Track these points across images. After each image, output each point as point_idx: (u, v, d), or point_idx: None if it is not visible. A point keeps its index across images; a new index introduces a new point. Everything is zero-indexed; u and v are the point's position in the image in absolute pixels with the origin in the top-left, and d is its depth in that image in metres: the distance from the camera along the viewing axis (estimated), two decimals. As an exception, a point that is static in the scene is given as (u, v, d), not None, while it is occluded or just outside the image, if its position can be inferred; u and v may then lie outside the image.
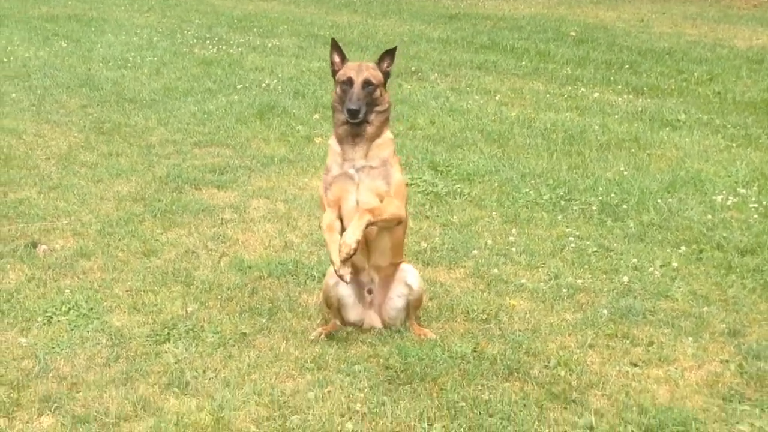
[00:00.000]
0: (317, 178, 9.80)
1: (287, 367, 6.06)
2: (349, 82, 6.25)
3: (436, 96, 13.91)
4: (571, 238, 8.15)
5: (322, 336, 6.42)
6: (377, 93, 6.30)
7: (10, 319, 6.73)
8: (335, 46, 6.51)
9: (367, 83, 6.25)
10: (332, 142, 6.44)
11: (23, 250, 7.94)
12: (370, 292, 6.55)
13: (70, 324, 6.66)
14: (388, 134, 6.42)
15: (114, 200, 9.32)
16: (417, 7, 25.94)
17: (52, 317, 6.74)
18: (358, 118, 6.16)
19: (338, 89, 6.34)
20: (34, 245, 8.05)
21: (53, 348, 6.30)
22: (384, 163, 6.31)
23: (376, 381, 5.86)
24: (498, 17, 23.57)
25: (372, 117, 6.26)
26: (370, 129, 6.27)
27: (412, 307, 6.54)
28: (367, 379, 5.88)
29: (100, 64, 16.52)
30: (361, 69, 6.30)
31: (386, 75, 6.44)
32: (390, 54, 6.45)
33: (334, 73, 6.47)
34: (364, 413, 5.49)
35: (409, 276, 6.52)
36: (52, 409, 5.56)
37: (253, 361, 6.12)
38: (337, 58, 6.48)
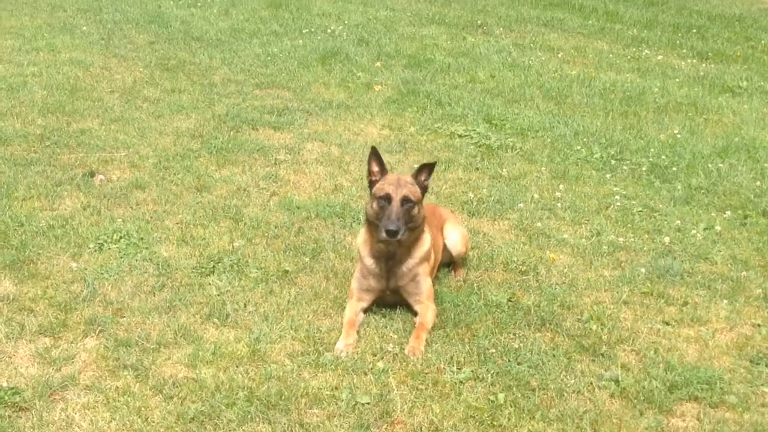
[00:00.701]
0: (373, 125, 9.96)
1: (326, 305, 6.23)
2: (387, 198, 5.98)
3: (499, 51, 13.91)
4: (617, 197, 8.20)
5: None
6: (415, 211, 6.03)
7: (63, 244, 6.96)
8: (375, 155, 6.18)
9: (406, 200, 5.98)
10: (364, 253, 6.22)
11: (81, 179, 8.17)
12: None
13: (120, 252, 6.87)
14: (424, 242, 6.21)
15: (172, 135, 9.52)
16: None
17: (103, 245, 6.96)
18: (397, 238, 5.90)
19: (375, 204, 6.04)
20: (92, 174, 8.27)
21: (102, 274, 6.52)
22: (415, 278, 6.13)
23: (410, 324, 6.01)
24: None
25: (406, 236, 5.98)
26: (403, 251, 6.09)
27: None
28: (402, 322, 6.04)
29: (171, 1, 16.67)
30: (400, 185, 6.01)
31: (424, 190, 6.15)
32: (428, 168, 6.20)
33: (371, 183, 6.17)
34: (396, 354, 5.64)
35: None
36: (97, 332, 5.79)
37: (293, 297, 6.29)
38: (375, 168, 6.18)
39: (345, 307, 6.12)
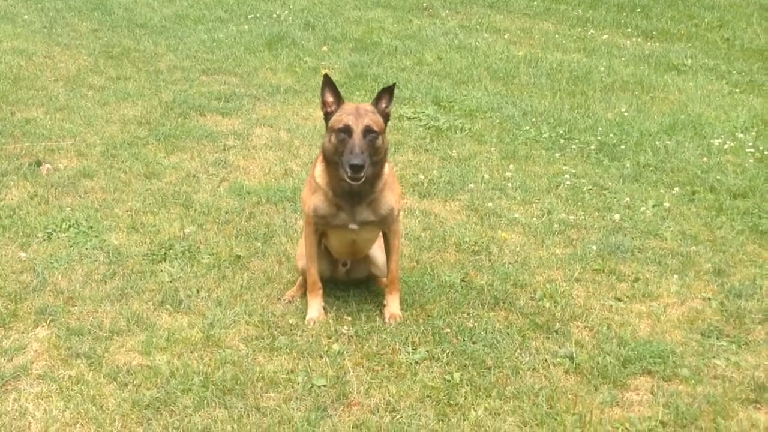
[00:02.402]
0: (318, 108, 9.91)
1: (279, 289, 6.21)
2: (347, 130, 5.41)
3: (445, 33, 13.93)
4: (567, 176, 8.24)
5: (294, 299, 6.06)
6: (379, 141, 5.49)
7: (11, 234, 6.88)
8: (328, 83, 5.60)
9: (368, 131, 5.43)
10: (321, 180, 5.65)
11: (27, 169, 8.08)
12: (344, 265, 6.22)
13: (69, 241, 6.81)
14: (385, 170, 5.67)
15: (119, 123, 9.44)
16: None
17: (52, 234, 6.89)
18: (361, 176, 5.35)
19: (333, 137, 5.47)
20: (38, 164, 8.18)
21: (52, 263, 6.46)
22: (388, 215, 5.73)
23: (364, 306, 6.01)
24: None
25: (371, 171, 5.47)
26: (369, 186, 5.55)
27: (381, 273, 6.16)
28: (356, 304, 6.04)
29: (113, -11, 16.58)
30: (360, 114, 5.45)
31: (386, 117, 5.60)
32: (388, 92, 5.60)
33: (327, 115, 5.58)
34: (351, 336, 5.63)
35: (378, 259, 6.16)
36: (48, 321, 5.73)
37: (245, 282, 6.26)
38: (330, 98, 5.59)
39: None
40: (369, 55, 12.32)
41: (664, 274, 6.53)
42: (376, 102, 5.59)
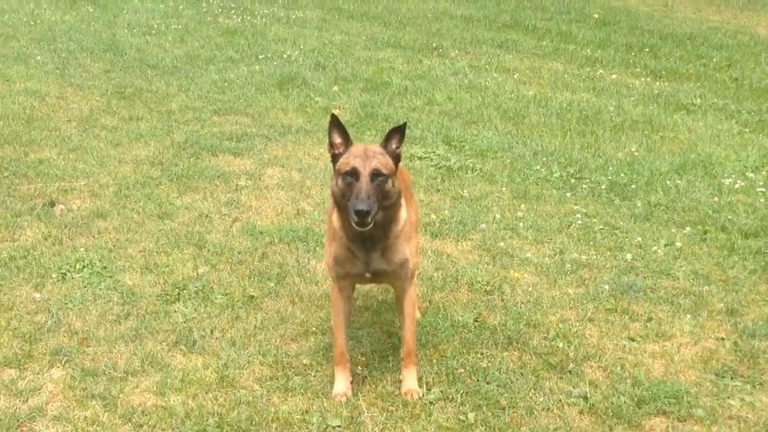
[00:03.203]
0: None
1: (293, 329, 6.22)
2: (354, 173, 5.09)
3: (455, 73, 13.99)
4: (578, 216, 8.26)
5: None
6: (389, 185, 5.15)
7: (25, 275, 6.91)
8: (335, 124, 5.28)
9: (376, 174, 5.09)
10: (336, 224, 5.37)
11: (41, 209, 8.12)
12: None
13: (83, 281, 6.84)
14: (401, 215, 5.37)
15: (132, 163, 9.48)
16: (442, -17, 25.93)
17: (66, 274, 6.92)
18: (369, 221, 5.01)
19: (339, 181, 5.15)
20: (52, 204, 8.23)
21: (66, 304, 6.48)
22: (401, 265, 5.42)
23: (378, 347, 6.03)
24: (522, -4, 23.58)
25: (381, 216, 5.15)
26: (381, 232, 5.25)
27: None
28: (370, 345, 6.05)
29: (125, 30, 16.65)
30: (368, 156, 5.13)
31: (397, 159, 5.27)
32: (399, 132, 5.27)
33: (335, 157, 5.27)
34: (365, 377, 5.65)
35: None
36: (63, 362, 5.75)
37: (259, 323, 6.28)
38: (338, 139, 5.27)
39: (322, 327, 6.06)
40: (379, 95, 12.37)
41: (677, 313, 6.53)
42: (386, 143, 5.25)
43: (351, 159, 5.12)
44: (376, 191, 5.05)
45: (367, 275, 5.43)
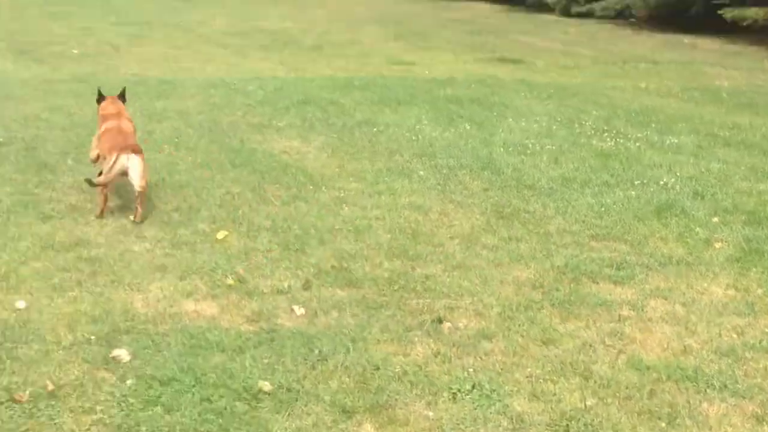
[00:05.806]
0: (716, 284, 9.76)
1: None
2: None
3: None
4: None
5: None
6: None
7: (417, 391, 7.13)
8: None
9: None
10: None
11: (430, 325, 8.38)
12: None
13: (473, 402, 6.97)
14: None
15: (513, 285, 9.62)
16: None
17: (456, 394, 7.09)
18: None
19: None
20: (440, 321, 8.48)
21: (458, 424, 6.63)
22: None
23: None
24: None
25: None
26: None
27: None
28: None
29: (501, 148, 16.98)
30: None
31: None
32: None
33: None
34: None
35: None
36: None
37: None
38: None
39: None
40: (764, 230, 11.98)
41: None
42: None
43: None
44: None
45: None
